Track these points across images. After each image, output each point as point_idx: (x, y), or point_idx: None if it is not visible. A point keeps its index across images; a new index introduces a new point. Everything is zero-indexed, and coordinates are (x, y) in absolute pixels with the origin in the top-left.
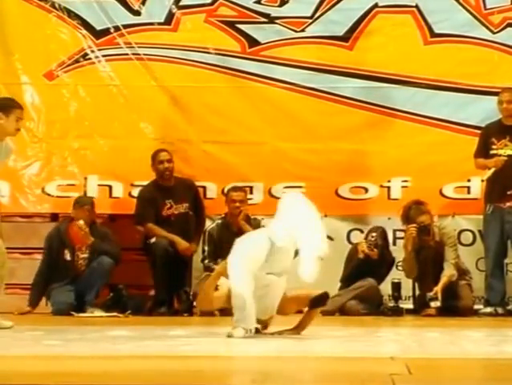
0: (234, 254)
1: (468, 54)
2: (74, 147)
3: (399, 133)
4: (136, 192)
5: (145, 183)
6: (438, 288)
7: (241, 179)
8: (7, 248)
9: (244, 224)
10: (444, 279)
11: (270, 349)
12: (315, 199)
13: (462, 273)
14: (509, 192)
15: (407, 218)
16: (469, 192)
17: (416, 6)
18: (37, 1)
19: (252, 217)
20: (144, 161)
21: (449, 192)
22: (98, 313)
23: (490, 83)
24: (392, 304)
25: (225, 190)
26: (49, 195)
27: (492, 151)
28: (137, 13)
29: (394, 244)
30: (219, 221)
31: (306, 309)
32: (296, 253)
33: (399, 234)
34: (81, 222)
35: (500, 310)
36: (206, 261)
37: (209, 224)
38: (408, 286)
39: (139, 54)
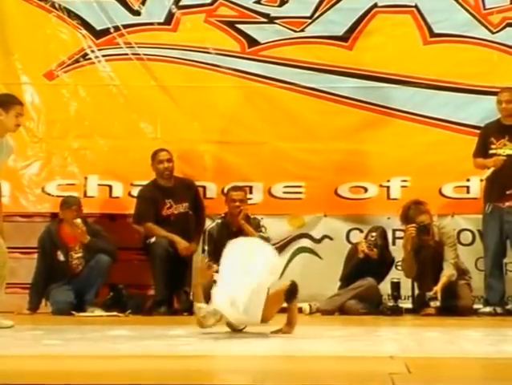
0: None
1: (467, 54)
2: (74, 147)
3: (398, 133)
4: (135, 191)
5: (145, 182)
6: (438, 288)
7: (240, 178)
8: (7, 247)
9: (244, 223)
10: (443, 279)
11: (270, 348)
12: (315, 198)
13: (462, 272)
14: (508, 192)
15: (406, 218)
16: (468, 192)
17: (416, 6)
18: (37, 1)
19: (252, 217)
20: (144, 161)
21: (448, 191)
22: (98, 312)
23: (489, 83)
24: (391, 303)
25: (225, 190)
26: (49, 194)
27: (491, 151)
28: (137, 13)
29: (393, 243)
30: (219, 221)
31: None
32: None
33: (398, 234)
34: (78, 220)
35: (499, 310)
36: (206, 261)
37: (208, 224)
38: (407, 286)
39: (139, 54)
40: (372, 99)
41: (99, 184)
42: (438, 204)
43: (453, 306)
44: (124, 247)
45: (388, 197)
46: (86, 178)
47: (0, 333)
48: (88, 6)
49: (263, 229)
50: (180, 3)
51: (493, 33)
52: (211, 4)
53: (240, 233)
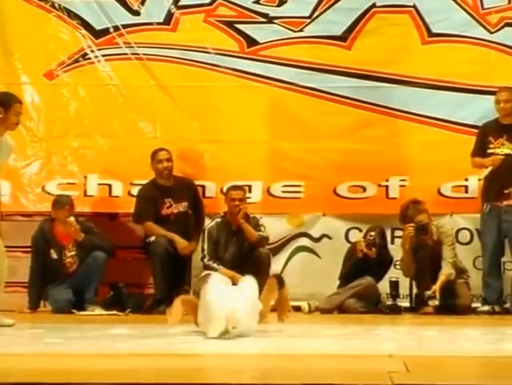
0: None
1: (465, 53)
2: (74, 147)
3: (397, 132)
4: (135, 190)
5: (145, 182)
6: (436, 287)
7: (240, 178)
8: (8, 246)
9: (243, 222)
10: (442, 278)
11: (269, 347)
12: (314, 198)
13: (460, 271)
14: (506, 191)
15: (405, 217)
16: (466, 191)
17: (414, 6)
18: (37, 1)
19: (251, 216)
20: (144, 160)
21: (446, 191)
22: (98, 311)
23: (488, 83)
24: (390, 302)
25: (225, 189)
26: (49, 194)
27: (489, 150)
28: (136, 13)
29: (392, 242)
30: (218, 220)
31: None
32: None
33: (397, 233)
34: (71, 219)
35: (497, 308)
36: (206, 260)
37: (208, 223)
38: (405, 285)
39: (138, 54)
40: (371, 99)
41: (98, 184)
42: (436, 204)
43: (452, 305)
44: (124, 246)
45: (387, 196)
46: (86, 177)
47: (1, 331)
48: (88, 6)
49: (262, 228)
50: (180, 3)
51: (491, 33)
52: (210, 4)
53: (239, 231)
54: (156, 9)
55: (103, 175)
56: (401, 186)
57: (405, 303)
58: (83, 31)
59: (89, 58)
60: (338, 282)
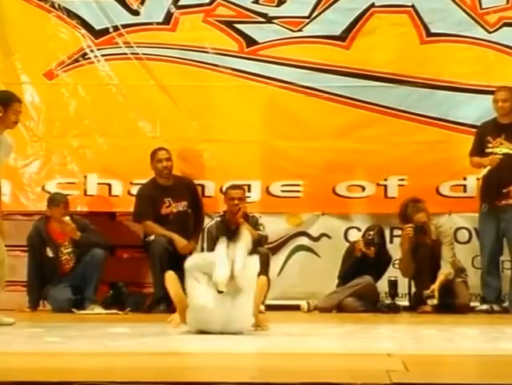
0: None
1: (464, 53)
2: (73, 146)
3: (395, 132)
4: (135, 190)
5: (144, 181)
6: (435, 286)
7: (239, 177)
8: (8, 246)
9: (242, 221)
10: (441, 277)
11: (268, 346)
12: (313, 197)
13: (458, 270)
14: (504, 191)
15: (404, 216)
16: (465, 191)
17: (413, 6)
18: (37, 1)
19: (250, 215)
20: (143, 160)
21: (445, 190)
22: (98, 310)
23: (486, 82)
24: (388, 301)
25: (224, 188)
26: (49, 193)
27: (487, 150)
28: (136, 13)
29: (391, 242)
30: (218, 219)
31: None
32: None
33: (396, 232)
34: (67, 218)
35: (496, 307)
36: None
37: (207, 222)
38: (404, 284)
39: (138, 54)
40: (370, 98)
41: (98, 183)
42: (435, 203)
43: (450, 304)
44: (124, 245)
45: (386, 196)
46: (85, 177)
47: (1, 330)
48: (88, 6)
49: (261, 227)
50: (179, 3)
51: (489, 32)
52: (209, 4)
53: (239, 231)
54: (155, 9)
55: (102, 174)
56: (400, 185)
57: (404, 302)
58: (83, 31)
59: (89, 58)
60: (337, 281)
